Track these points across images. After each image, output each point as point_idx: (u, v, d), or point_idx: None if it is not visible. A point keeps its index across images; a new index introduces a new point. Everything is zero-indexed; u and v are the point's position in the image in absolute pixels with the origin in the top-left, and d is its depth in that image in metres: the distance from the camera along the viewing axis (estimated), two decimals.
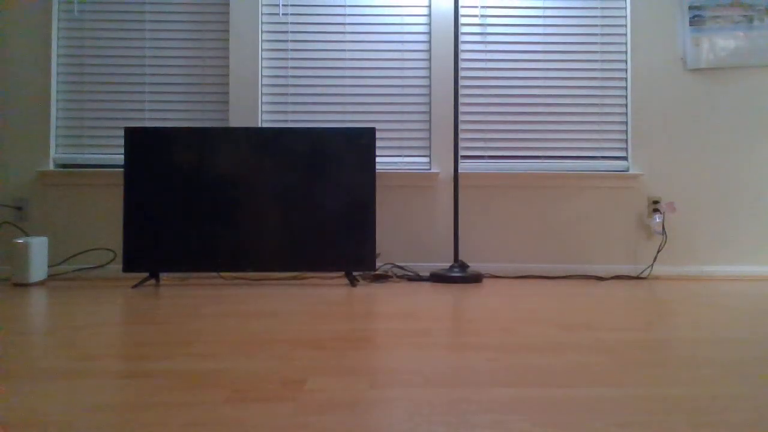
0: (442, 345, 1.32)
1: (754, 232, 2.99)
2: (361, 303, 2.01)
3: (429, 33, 3.01)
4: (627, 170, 3.01)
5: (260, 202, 2.55)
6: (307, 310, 1.83)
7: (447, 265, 2.93)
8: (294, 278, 2.77)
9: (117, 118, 2.97)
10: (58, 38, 2.96)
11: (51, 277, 2.77)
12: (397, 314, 1.76)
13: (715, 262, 2.98)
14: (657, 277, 2.92)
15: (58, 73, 2.96)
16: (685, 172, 3.00)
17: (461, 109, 3.01)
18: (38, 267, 2.60)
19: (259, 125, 2.95)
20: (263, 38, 2.99)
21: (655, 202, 2.98)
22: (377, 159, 3.00)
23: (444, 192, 2.97)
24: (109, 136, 2.97)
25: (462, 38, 3.01)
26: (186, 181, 2.55)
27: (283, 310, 1.83)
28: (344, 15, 3.02)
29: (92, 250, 2.88)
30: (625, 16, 3.03)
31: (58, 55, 2.96)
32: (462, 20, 3.02)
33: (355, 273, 2.68)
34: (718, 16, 2.98)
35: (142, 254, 2.53)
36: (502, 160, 3.03)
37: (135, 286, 2.47)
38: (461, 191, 2.98)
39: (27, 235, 2.81)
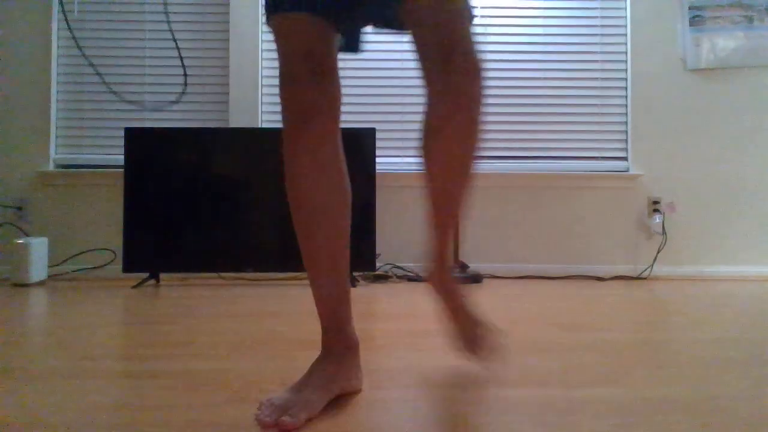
0: (442, 345, 1.32)
1: (754, 232, 2.99)
2: (361, 303, 2.01)
3: None
4: (627, 170, 3.01)
5: (260, 202, 2.55)
6: (307, 310, 1.83)
7: None
8: (294, 278, 2.77)
9: (117, 118, 2.97)
10: (58, 38, 2.96)
11: (51, 277, 2.77)
12: (396, 314, 1.76)
13: (715, 262, 2.98)
14: (657, 278, 2.92)
15: (58, 73, 2.96)
16: (685, 172, 3.00)
17: None
18: (38, 267, 2.59)
19: (259, 125, 2.95)
20: (263, 38, 2.99)
21: (655, 202, 2.98)
22: (377, 159, 3.00)
23: None
24: (109, 136, 2.97)
25: None
26: (186, 181, 2.55)
27: (283, 310, 1.83)
28: None
29: (92, 250, 2.88)
30: (625, 17, 3.03)
31: (58, 55, 2.96)
32: None
33: (355, 273, 2.68)
34: (718, 17, 2.98)
35: (142, 254, 2.53)
36: (502, 160, 3.03)
37: (135, 287, 2.47)
38: None
39: (27, 235, 2.81)
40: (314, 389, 0.88)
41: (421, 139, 0.95)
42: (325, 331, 0.97)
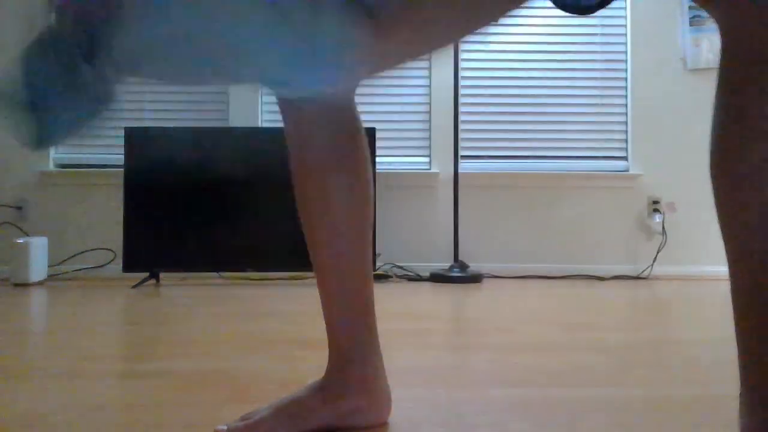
0: (442, 345, 1.32)
1: None
2: None
3: None
4: (627, 170, 3.01)
5: (260, 202, 2.55)
6: (308, 310, 1.83)
7: (447, 265, 2.93)
8: (294, 278, 2.77)
9: (117, 118, 2.97)
10: None
11: (51, 277, 2.77)
12: (397, 314, 1.76)
13: (715, 262, 2.98)
14: (657, 277, 2.92)
15: None
16: (685, 172, 3.00)
17: (461, 108, 3.01)
18: (38, 267, 2.59)
19: (259, 125, 2.95)
20: None
21: (655, 202, 2.98)
22: (377, 159, 3.00)
23: (444, 192, 2.97)
24: (109, 136, 2.96)
25: None
26: (186, 181, 2.55)
27: (284, 310, 1.83)
28: None
29: (92, 250, 2.88)
30: (625, 16, 3.03)
31: None
32: None
33: None
34: None
35: (142, 254, 2.53)
36: (502, 160, 3.03)
37: (135, 286, 2.46)
38: (461, 191, 2.98)
39: (27, 235, 2.80)
40: (283, 415, 0.74)
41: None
42: (329, 360, 0.80)
